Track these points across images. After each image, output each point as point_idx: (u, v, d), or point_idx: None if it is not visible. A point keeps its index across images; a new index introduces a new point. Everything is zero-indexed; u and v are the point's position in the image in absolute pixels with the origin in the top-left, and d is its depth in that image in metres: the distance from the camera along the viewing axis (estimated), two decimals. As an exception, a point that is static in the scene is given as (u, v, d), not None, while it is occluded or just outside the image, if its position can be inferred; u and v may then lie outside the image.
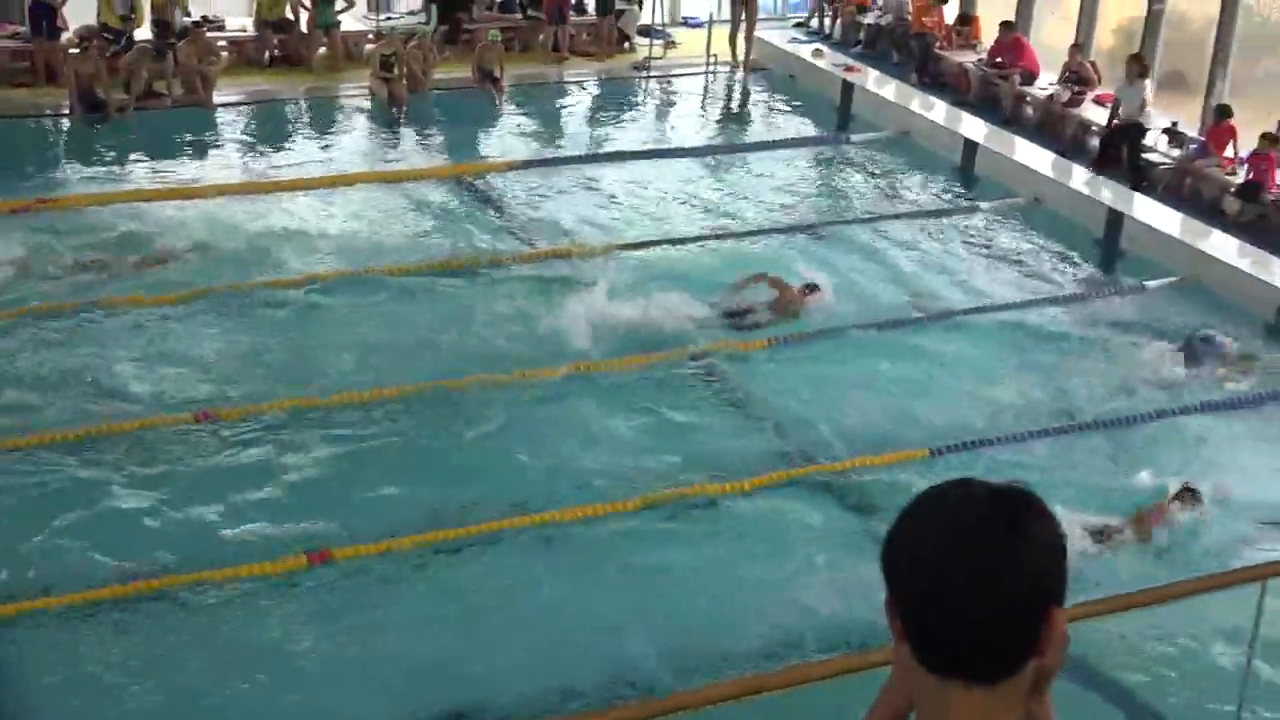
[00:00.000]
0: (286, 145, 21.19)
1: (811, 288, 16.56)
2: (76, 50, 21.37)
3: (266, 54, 23.53)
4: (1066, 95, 22.02)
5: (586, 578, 11.84)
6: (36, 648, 10.64)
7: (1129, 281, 18.11)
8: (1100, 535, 12.54)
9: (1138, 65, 20.86)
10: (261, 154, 20.71)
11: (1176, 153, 20.68)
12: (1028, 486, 2.63)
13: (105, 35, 21.85)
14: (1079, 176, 20.32)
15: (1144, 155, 20.65)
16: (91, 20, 22.22)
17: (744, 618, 11.47)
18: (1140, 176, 20.41)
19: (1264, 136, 19.42)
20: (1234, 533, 12.84)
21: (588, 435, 13.89)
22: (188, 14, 22.64)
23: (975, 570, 2.52)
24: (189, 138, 20.92)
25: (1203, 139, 20.48)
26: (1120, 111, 20.87)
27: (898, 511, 2.66)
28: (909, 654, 2.58)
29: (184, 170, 19.85)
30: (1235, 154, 19.99)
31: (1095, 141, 21.31)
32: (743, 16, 25.08)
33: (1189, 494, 13.00)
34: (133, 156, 20.19)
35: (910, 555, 2.60)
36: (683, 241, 18.27)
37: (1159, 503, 12.97)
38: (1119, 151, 20.64)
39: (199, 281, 16.27)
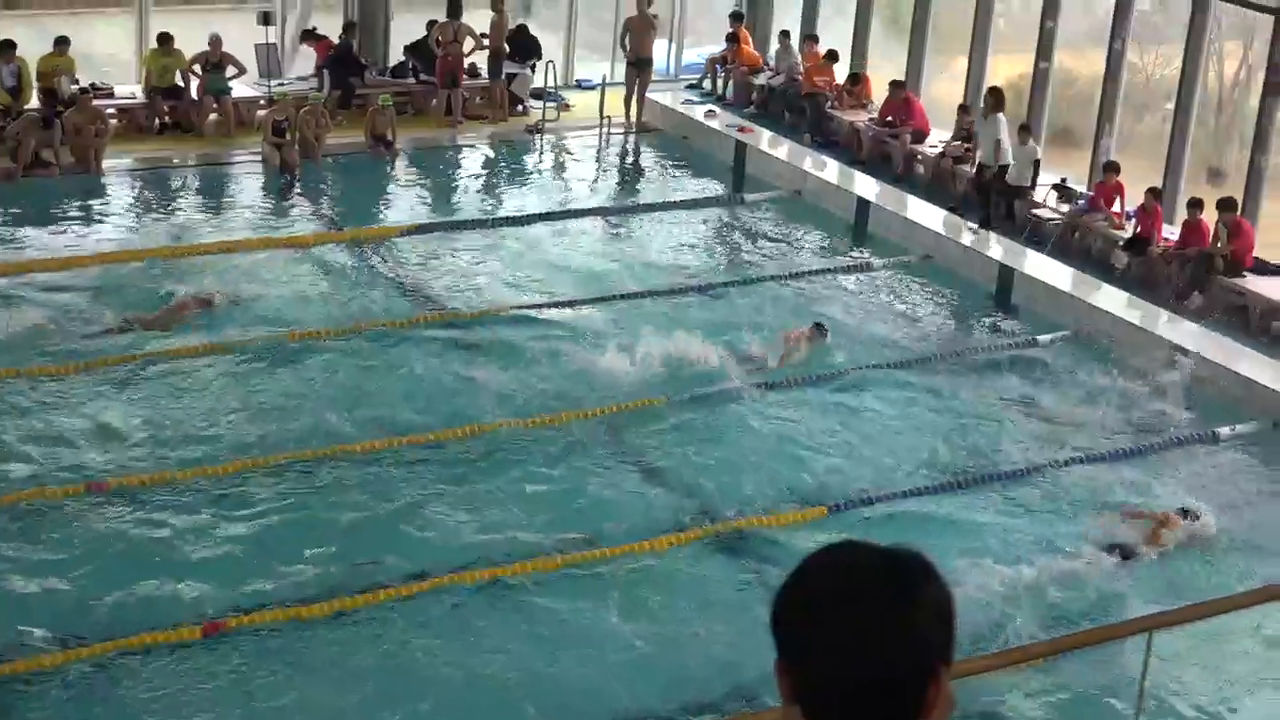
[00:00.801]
0: (178, 212, 20.96)
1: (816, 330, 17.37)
2: (-39, 120, 21.12)
3: (157, 121, 23.33)
4: (960, 151, 22.24)
5: (487, 641, 11.78)
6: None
7: (1021, 336, 18.28)
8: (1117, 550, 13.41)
9: (993, 98, 21.05)
10: (153, 221, 20.47)
11: (1065, 208, 20.96)
12: (917, 548, 2.64)
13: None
14: (970, 233, 20.51)
15: (1011, 199, 21.01)
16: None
17: (641, 678, 11.48)
18: (1013, 219, 20.75)
19: (1149, 191, 19.73)
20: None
21: (489, 498, 13.86)
22: (75, 82, 22.42)
23: (866, 632, 2.53)
24: (78, 206, 20.63)
25: (1091, 194, 20.77)
26: (979, 151, 21.10)
27: (788, 572, 2.66)
28: (799, 715, 2.58)
29: (73, 239, 19.56)
30: (1123, 209, 20.29)
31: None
32: (637, 78, 25.19)
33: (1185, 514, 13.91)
34: (21, 226, 19.85)
35: (801, 617, 2.60)
36: (579, 303, 18.26)
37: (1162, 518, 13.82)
38: (989, 200, 20.85)
39: (89, 350, 16.07)
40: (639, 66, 25.13)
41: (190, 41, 23.20)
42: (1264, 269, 18.86)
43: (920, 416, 16.14)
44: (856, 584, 2.57)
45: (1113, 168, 20.45)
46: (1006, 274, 19.51)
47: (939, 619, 2.57)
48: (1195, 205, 19.19)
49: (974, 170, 21.46)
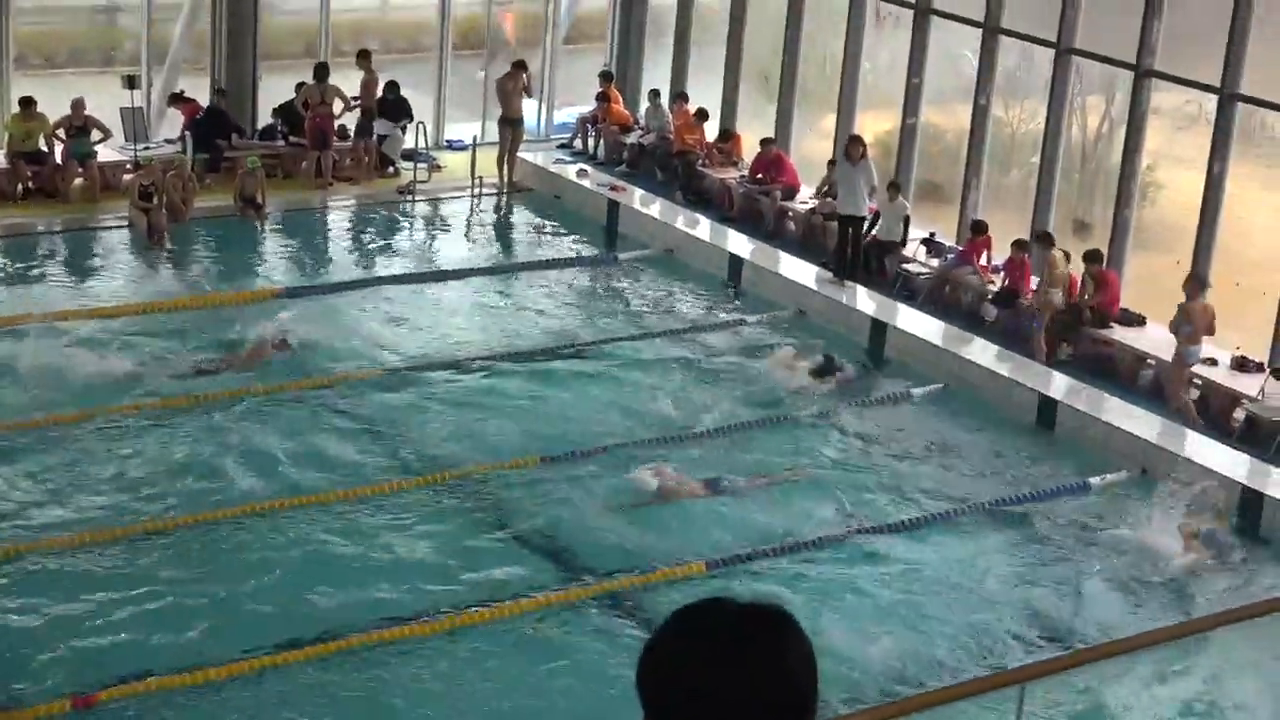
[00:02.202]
0: (42, 279, 20.63)
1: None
2: None
3: (19, 186, 22.96)
4: (830, 207, 22.34)
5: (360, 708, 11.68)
6: None
7: (896, 389, 18.39)
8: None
9: (859, 146, 21.07)
10: (15, 288, 20.12)
11: (935, 262, 21.17)
12: (779, 603, 2.62)
13: None
14: (829, 282, 20.65)
15: (882, 254, 21.23)
16: None
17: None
18: (884, 273, 20.97)
19: (1015, 243, 19.99)
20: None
21: (344, 565, 13.76)
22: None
23: (733, 687, 2.52)
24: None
25: (960, 248, 20.99)
26: (840, 201, 21.17)
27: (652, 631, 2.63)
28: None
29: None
30: (989, 262, 20.53)
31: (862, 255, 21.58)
32: (510, 137, 25.15)
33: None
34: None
35: (669, 674, 2.57)
36: (452, 365, 18.17)
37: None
38: (848, 250, 20.95)
39: None
40: (511, 125, 25.10)
41: (53, 106, 22.89)
42: (1129, 319, 19.15)
43: (797, 473, 16.19)
44: (725, 637, 2.55)
45: (980, 227, 20.65)
46: (879, 328, 19.65)
47: (805, 670, 2.58)
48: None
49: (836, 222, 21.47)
